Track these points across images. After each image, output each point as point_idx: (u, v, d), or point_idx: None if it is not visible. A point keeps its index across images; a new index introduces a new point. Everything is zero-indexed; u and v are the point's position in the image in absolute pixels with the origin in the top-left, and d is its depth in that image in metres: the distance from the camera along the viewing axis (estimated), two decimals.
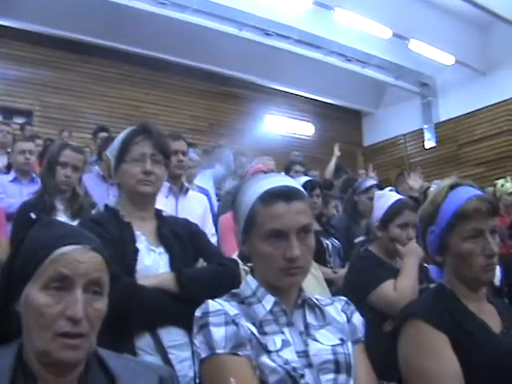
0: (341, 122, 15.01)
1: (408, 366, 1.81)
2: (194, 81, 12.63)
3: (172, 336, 2.13)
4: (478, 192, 1.95)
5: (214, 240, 3.86)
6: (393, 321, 2.76)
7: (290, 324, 1.66)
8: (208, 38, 10.93)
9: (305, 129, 14.66)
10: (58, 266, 1.30)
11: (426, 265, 3.15)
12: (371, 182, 5.26)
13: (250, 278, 1.75)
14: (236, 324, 1.58)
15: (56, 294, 1.29)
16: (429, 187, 5.85)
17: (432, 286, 2.89)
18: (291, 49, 11.79)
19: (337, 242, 4.49)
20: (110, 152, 2.45)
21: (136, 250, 2.21)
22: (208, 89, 13.00)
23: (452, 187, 1.97)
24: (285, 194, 1.65)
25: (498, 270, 3.08)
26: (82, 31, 10.78)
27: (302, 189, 1.74)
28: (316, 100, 14.49)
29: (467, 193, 1.93)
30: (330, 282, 3.97)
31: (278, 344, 1.59)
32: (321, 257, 4.20)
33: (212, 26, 10.63)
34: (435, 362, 1.74)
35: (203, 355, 1.56)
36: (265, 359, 1.55)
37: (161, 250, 2.30)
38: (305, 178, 4.73)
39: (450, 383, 1.73)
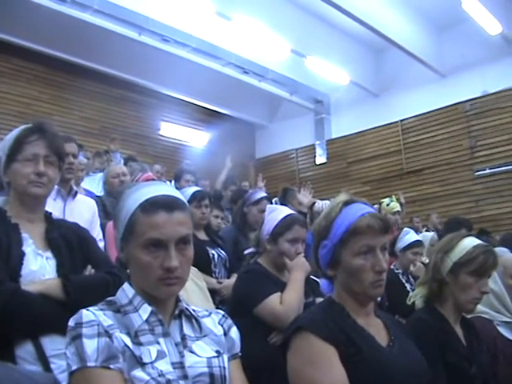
0: (235, 133, 15.08)
1: (297, 378, 1.82)
2: (87, 82, 12.33)
3: (56, 345, 2.06)
4: (371, 209, 2.01)
5: (101, 245, 3.76)
6: (278, 333, 2.81)
7: (166, 334, 1.65)
8: (106, 40, 10.74)
9: (198, 138, 14.65)
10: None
11: (315, 279, 3.23)
12: (261, 193, 5.28)
13: (126, 285, 1.72)
14: (109, 336, 1.55)
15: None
16: (314, 202, 5.97)
17: (318, 299, 2.99)
18: (189, 57, 11.76)
19: (223, 252, 4.49)
20: (1, 149, 2.35)
21: (22, 254, 2.13)
22: (102, 91, 12.73)
23: (346, 203, 2.00)
24: (166, 204, 1.64)
25: None
26: None
27: (183, 199, 1.74)
28: (211, 110, 14.52)
29: (361, 210, 1.97)
30: (214, 292, 4.03)
31: (154, 355, 1.57)
32: (206, 267, 4.21)
33: (111, 28, 10.43)
34: (324, 373, 1.76)
35: (73, 367, 1.51)
36: (138, 372, 1.53)
37: (48, 254, 2.23)
38: (194, 188, 4.74)
39: None
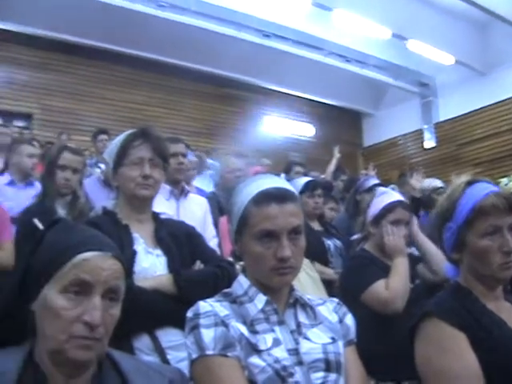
0: (340, 122, 15.01)
1: (428, 365, 1.78)
2: (193, 83, 12.63)
3: (170, 337, 2.16)
4: (495, 188, 1.93)
5: (215, 242, 3.87)
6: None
7: (281, 323, 1.68)
8: (207, 40, 10.93)
9: (304, 130, 14.65)
10: (80, 271, 1.31)
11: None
12: (374, 181, 5.23)
13: (241, 277, 1.78)
14: (226, 325, 1.61)
15: (74, 298, 1.31)
16: (441, 187, 5.76)
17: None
18: (290, 50, 11.79)
19: (338, 242, 4.49)
20: (108, 155, 2.47)
21: (134, 253, 2.23)
22: (207, 91, 12.99)
23: (469, 183, 1.94)
24: (277, 196, 1.68)
25: None
26: (82, 34, 10.80)
27: (294, 190, 1.77)
28: (315, 101, 14.48)
29: (484, 189, 1.90)
30: (331, 283, 3.98)
31: (269, 342, 1.61)
32: (323, 257, 4.22)
33: (210, 28, 10.63)
34: (455, 361, 1.72)
35: (193, 356, 1.59)
36: (254, 359, 1.58)
37: (158, 252, 2.32)
38: (307, 178, 4.76)
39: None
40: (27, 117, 11.18)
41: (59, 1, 9.84)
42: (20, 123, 10.88)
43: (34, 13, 9.99)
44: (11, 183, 4.65)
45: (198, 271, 2.35)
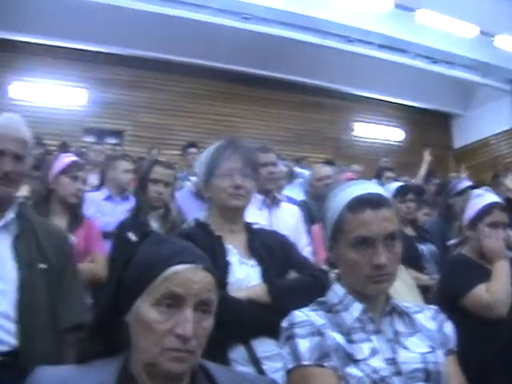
0: (429, 125, 14.74)
1: None
2: (279, 93, 12.72)
3: (265, 347, 2.14)
4: None
5: (308, 250, 3.85)
6: None
7: (377, 331, 1.65)
8: (291, 50, 10.99)
9: (393, 134, 14.47)
10: (171, 284, 1.31)
11: None
12: (466, 183, 5.12)
13: (336, 285, 1.75)
14: (321, 334, 1.59)
15: (167, 311, 1.31)
16: None
17: None
18: (375, 54, 11.68)
19: (432, 246, 4.41)
20: (199, 167, 2.49)
21: (227, 264, 2.24)
22: (293, 99, 13.06)
23: None
24: (372, 201, 1.65)
25: None
26: (171, 52, 11.08)
27: (388, 196, 1.74)
28: (403, 105, 14.30)
29: None
30: (427, 289, 3.88)
31: (366, 352, 1.59)
32: (417, 263, 4.15)
33: (294, 37, 10.67)
34: None
35: (289, 366, 1.57)
36: (351, 369, 1.55)
37: (252, 262, 2.31)
38: (397, 184, 4.70)
39: None
40: (119, 133, 11.53)
41: (148, 21, 10.11)
42: (112, 140, 11.22)
43: (123, 34, 10.31)
44: (108, 198, 4.77)
45: (292, 280, 2.34)
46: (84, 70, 11.43)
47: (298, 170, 7.77)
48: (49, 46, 11.14)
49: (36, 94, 11.48)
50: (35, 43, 11.07)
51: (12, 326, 2.14)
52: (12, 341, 2.13)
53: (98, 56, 11.11)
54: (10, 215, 2.29)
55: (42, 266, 2.27)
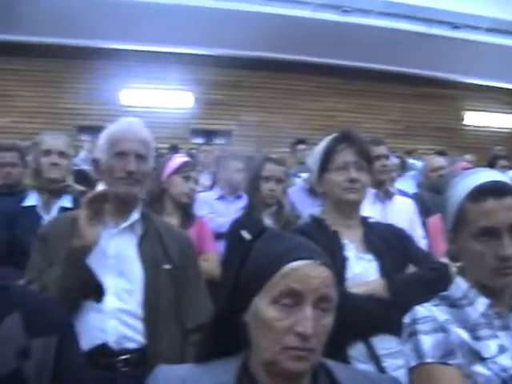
0: None
1: None
2: (386, 85, 12.57)
3: (385, 344, 2.10)
4: None
5: (424, 243, 3.78)
6: None
7: (504, 328, 1.57)
8: (394, 40, 10.80)
9: (506, 121, 13.92)
10: (290, 281, 1.28)
11: None
12: None
13: (459, 279, 1.68)
14: (445, 330, 1.53)
15: (285, 309, 1.28)
16: None
17: None
18: (483, 39, 11.28)
19: None
20: (312, 162, 2.48)
21: (345, 259, 2.21)
22: (402, 91, 12.87)
23: None
24: (495, 190, 1.57)
25: None
26: (272, 49, 11.13)
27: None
28: None
29: None
30: None
31: (494, 349, 1.51)
32: None
33: (399, 27, 10.48)
34: None
35: (412, 364, 1.52)
36: (478, 367, 1.48)
37: (369, 257, 2.28)
38: None
39: None
40: (226, 134, 11.71)
41: (250, 21, 10.22)
42: (220, 140, 11.42)
43: (226, 35, 10.47)
44: (221, 198, 4.80)
45: (411, 275, 2.28)
46: (188, 73, 11.71)
47: (411, 161, 7.63)
48: (152, 52, 11.48)
49: (143, 100, 11.89)
50: (140, 50, 11.44)
51: (139, 325, 2.22)
52: (140, 338, 2.21)
53: (201, 58, 11.33)
54: (135, 216, 2.36)
55: (167, 266, 2.34)
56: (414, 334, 1.54)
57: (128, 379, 2.13)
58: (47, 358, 1.41)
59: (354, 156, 2.36)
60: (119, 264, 2.27)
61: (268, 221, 3.82)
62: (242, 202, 4.37)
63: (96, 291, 2.18)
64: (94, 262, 2.15)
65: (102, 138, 2.39)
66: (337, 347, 2.02)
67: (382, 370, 2.04)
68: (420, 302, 1.65)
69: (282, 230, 3.28)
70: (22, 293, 1.61)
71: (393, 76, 12.38)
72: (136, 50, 11.47)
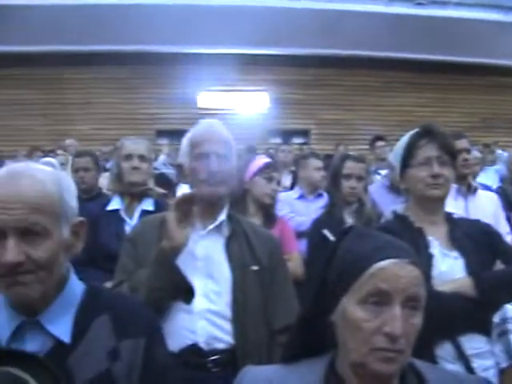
0: None
1: None
2: (461, 77, 12.30)
3: (474, 343, 2.02)
4: None
5: (509, 239, 3.64)
6: None
7: None
8: (469, 31, 10.59)
9: None
10: (378, 280, 1.27)
11: None
12: None
13: None
14: None
15: (374, 309, 1.27)
16: None
17: None
18: None
19: None
20: (394, 158, 2.45)
21: (430, 256, 2.17)
22: (476, 82, 12.58)
23: None
24: None
25: None
26: (345, 46, 11.06)
27: None
28: None
29: None
30: None
31: None
32: None
33: (471, 16, 10.23)
34: None
35: (503, 365, 1.47)
36: None
37: (455, 254, 2.23)
38: None
39: None
40: (305, 133, 11.72)
41: (317, 18, 10.18)
42: (299, 140, 11.43)
43: (299, 34, 10.46)
44: (301, 197, 4.82)
45: (499, 272, 2.21)
46: (264, 74, 11.76)
47: (499, 152, 7.45)
48: (228, 54, 11.59)
49: (221, 102, 12.02)
50: (216, 53, 11.59)
51: (228, 326, 2.24)
52: (229, 339, 2.23)
53: (276, 59, 11.37)
54: (222, 217, 2.37)
55: (254, 267, 2.34)
56: (504, 333, 1.50)
57: (218, 380, 2.15)
58: (136, 359, 1.43)
59: (437, 151, 2.31)
60: (208, 266, 2.29)
61: (349, 219, 3.81)
62: (323, 201, 4.38)
63: (185, 292, 2.21)
64: (182, 263, 2.17)
65: (184, 142, 2.43)
66: (424, 347, 1.99)
67: (470, 370, 1.97)
68: (510, 300, 1.60)
69: (369, 228, 3.26)
70: (111, 295, 1.65)
71: (467, 67, 12.11)
72: (212, 54, 11.61)
